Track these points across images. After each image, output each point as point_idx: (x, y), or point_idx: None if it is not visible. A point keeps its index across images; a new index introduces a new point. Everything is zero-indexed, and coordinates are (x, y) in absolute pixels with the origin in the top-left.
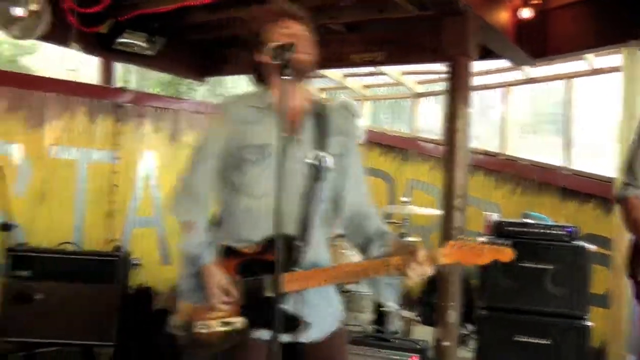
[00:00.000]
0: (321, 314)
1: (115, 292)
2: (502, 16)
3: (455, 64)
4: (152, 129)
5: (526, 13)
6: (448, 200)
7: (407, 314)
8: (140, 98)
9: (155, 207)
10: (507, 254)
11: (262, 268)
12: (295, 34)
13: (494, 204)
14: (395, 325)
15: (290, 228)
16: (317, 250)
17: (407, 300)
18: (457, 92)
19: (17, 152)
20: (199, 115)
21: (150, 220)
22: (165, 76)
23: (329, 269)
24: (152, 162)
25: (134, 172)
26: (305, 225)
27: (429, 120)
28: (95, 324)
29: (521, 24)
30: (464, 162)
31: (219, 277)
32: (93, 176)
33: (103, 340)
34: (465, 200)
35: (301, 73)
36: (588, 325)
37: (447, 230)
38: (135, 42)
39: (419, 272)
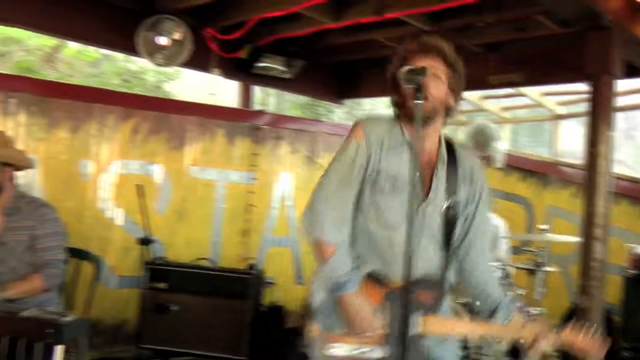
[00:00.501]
0: (448, 354)
1: (248, 308)
2: None
3: (598, 82)
4: (289, 150)
5: None
6: (588, 230)
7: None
8: (278, 120)
9: (290, 227)
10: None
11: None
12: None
13: (639, 236)
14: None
15: (432, 272)
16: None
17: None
18: (599, 113)
19: (158, 172)
20: (337, 137)
21: (285, 240)
22: (302, 98)
23: (470, 323)
24: (289, 182)
25: (270, 192)
26: (443, 271)
27: (570, 143)
28: (228, 338)
29: None
30: (606, 190)
31: (365, 308)
32: (230, 196)
33: (235, 354)
34: (607, 231)
35: (431, 115)
36: None
37: (586, 261)
38: (273, 65)
39: (539, 353)
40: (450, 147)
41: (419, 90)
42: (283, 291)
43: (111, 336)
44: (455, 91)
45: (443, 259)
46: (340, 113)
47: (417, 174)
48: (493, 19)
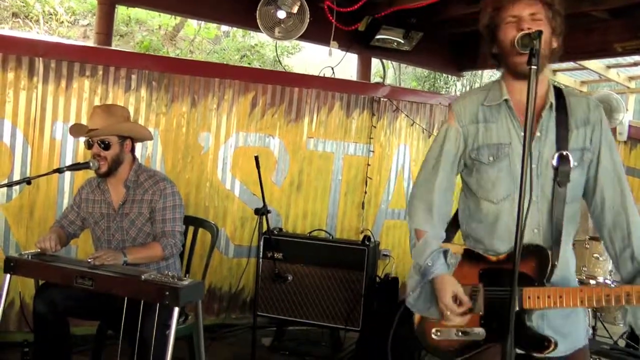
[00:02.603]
0: (566, 332)
1: (363, 280)
2: None
3: None
4: (407, 123)
5: None
6: None
7: None
8: (396, 93)
9: (407, 200)
10: None
11: (507, 278)
12: (520, 16)
13: None
14: None
15: (539, 238)
16: (566, 262)
17: None
18: None
19: (276, 144)
20: None
21: (402, 213)
22: (420, 71)
23: (585, 289)
24: (406, 155)
25: (387, 165)
26: (555, 235)
27: None
28: (342, 309)
29: None
30: None
31: (452, 289)
32: (347, 168)
33: (349, 324)
34: None
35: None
36: None
37: None
38: (392, 38)
39: None
40: (559, 93)
41: (535, 55)
42: (399, 264)
43: (228, 303)
44: (557, 32)
45: (557, 222)
46: (460, 85)
47: (521, 132)
48: None
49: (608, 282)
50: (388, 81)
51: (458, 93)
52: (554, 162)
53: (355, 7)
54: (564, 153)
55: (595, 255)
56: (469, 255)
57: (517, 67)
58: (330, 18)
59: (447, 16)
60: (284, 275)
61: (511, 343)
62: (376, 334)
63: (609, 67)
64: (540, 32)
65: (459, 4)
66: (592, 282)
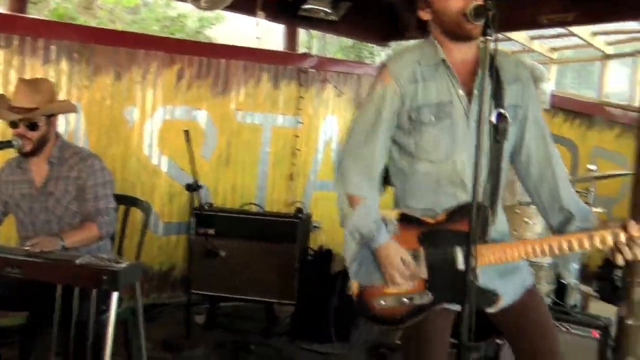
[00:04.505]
0: (511, 283)
1: (296, 253)
2: None
3: None
4: (334, 93)
5: None
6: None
7: (584, 288)
8: (323, 63)
9: (335, 170)
10: None
11: (448, 239)
12: None
13: None
14: (574, 299)
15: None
16: (503, 219)
17: (584, 274)
18: None
19: (203, 117)
20: None
21: (330, 184)
22: (345, 41)
23: (527, 241)
24: (334, 126)
25: (316, 136)
26: (493, 192)
27: (617, 84)
28: (276, 283)
29: None
30: None
31: (399, 255)
32: (276, 140)
33: (283, 298)
34: None
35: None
36: None
37: (637, 198)
38: (319, 7)
39: (629, 253)
40: (487, 54)
41: (490, 26)
42: (329, 235)
43: (160, 282)
44: None
45: (496, 179)
46: (384, 55)
47: (461, 91)
48: None
49: None
50: (313, 52)
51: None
52: (493, 119)
53: None
54: (502, 110)
55: (525, 219)
56: (406, 220)
57: (465, 34)
58: None
59: None
60: (216, 251)
61: (472, 303)
62: (311, 307)
63: (532, 38)
64: (492, 3)
65: None
66: None
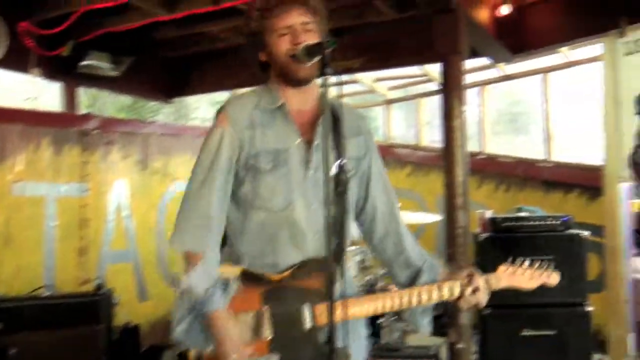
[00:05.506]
0: (357, 344)
1: (101, 334)
2: (483, 13)
3: (448, 63)
4: (121, 156)
5: (505, 10)
6: (450, 200)
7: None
8: (108, 124)
9: (129, 239)
10: (554, 278)
11: (293, 297)
12: (294, 27)
13: (478, 204)
14: (388, 337)
15: (321, 249)
16: (348, 273)
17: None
18: (452, 90)
19: None
20: (171, 138)
21: (124, 254)
22: (125, 100)
23: (378, 296)
24: (123, 191)
25: (105, 203)
26: (339, 245)
27: (400, 128)
28: None
29: (500, 21)
30: (464, 161)
31: (235, 327)
32: (62, 212)
33: None
34: (468, 199)
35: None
36: (589, 311)
37: (451, 230)
38: (99, 63)
39: (475, 300)
40: (331, 104)
41: (327, 64)
42: (128, 310)
43: None
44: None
45: (340, 231)
46: (167, 114)
47: (299, 140)
48: (332, 5)
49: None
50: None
51: (167, 121)
52: (334, 170)
53: (58, 29)
54: (343, 161)
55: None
56: (248, 277)
57: (296, 76)
58: (29, 42)
59: (159, 39)
60: (2, 349)
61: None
62: None
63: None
64: (328, 41)
65: (171, 25)
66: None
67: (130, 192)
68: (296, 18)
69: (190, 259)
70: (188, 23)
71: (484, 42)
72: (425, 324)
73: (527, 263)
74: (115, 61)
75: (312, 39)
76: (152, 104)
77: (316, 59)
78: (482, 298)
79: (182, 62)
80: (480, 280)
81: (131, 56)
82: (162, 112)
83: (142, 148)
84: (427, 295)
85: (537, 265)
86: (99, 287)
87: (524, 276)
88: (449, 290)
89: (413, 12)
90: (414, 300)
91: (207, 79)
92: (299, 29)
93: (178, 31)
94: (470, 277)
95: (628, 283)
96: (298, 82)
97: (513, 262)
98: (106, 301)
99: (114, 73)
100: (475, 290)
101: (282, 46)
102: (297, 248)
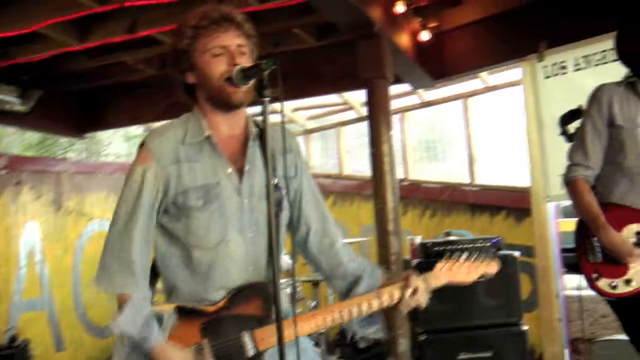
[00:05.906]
0: (306, 356)
1: None
2: (404, 39)
3: (374, 88)
4: (32, 196)
5: (425, 36)
6: (382, 226)
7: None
8: (17, 163)
9: (42, 286)
10: (494, 266)
11: (232, 325)
12: (229, 48)
13: (405, 231)
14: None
15: (257, 275)
16: (283, 293)
17: (327, 344)
18: (378, 116)
19: None
20: (84, 176)
21: (38, 302)
22: (33, 137)
23: (317, 313)
24: (36, 233)
25: (15, 249)
26: (274, 268)
27: (319, 157)
28: None
29: (420, 47)
30: (393, 186)
31: (178, 356)
32: None
33: None
34: (399, 224)
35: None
36: (525, 330)
37: (383, 256)
38: (6, 97)
39: (414, 302)
40: (257, 127)
41: (265, 86)
42: None
43: None
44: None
45: (275, 253)
46: (79, 150)
47: (229, 169)
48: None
49: None
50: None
51: (76, 158)
52: (267, 192)
53: None
54: (275, 182)
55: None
56: (183, 312)
57: (229, 100)
58: None
59: (70, 70)
60: None
61: None
62: None
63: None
64: (276, 61)
65: (83, 56)
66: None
67: (43, 235)
68: (232, 39)
69: (118, 300)
70: (101, 53)
71: (406, 68)
72: (372, 332)
73: (464, 257)
74: (24, 95)
75: (246, 62)
76: (63, 141)
77: (251, 82)
78: (422, 299)
79: (96, 95)
80: (418, 281)
81: (41, 89)
82: (72, 149)
83: (55, 187)
84: (367, 304)
85: (474, 257)
86: (12, 338)
87: (461, 270)
88: (389, 295)
89: (334, 38)
90: (354, 312)
91: (122, 112)
92: (234, 51)
93: (90, 62)
94: (408, 279)
95: (560, 301)
96: (230, 107)
97: (450, 258)
98: (20, 354)
99: (22, 108)
100: (414, 292)
101: (217, 67)
102: (232, 281)
